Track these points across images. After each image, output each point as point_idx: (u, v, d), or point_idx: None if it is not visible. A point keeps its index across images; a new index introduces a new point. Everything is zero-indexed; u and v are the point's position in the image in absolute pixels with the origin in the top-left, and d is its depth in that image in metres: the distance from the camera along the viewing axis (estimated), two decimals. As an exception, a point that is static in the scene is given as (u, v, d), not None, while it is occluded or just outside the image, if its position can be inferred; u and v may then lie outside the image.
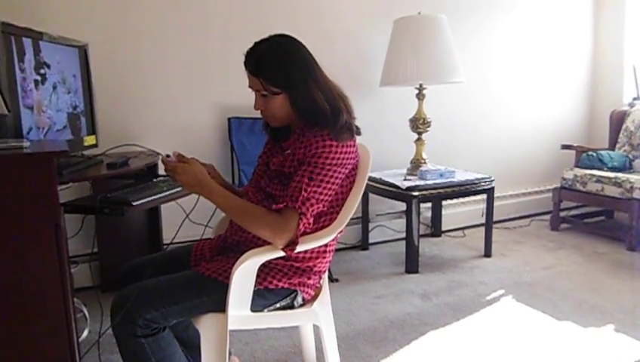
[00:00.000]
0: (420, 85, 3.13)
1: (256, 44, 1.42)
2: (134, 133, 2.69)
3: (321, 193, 1.37)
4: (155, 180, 1.92)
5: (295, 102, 1.39)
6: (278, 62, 1.38)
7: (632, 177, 3.24)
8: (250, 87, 1.43)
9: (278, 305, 1.47)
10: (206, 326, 1.42)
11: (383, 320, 2.33)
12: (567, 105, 4.14)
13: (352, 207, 1.47)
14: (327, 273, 1.65)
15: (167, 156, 1.38)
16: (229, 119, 2.86)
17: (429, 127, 3.17)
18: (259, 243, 1.42)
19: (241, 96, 1.66)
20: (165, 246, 2.43)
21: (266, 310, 1.46)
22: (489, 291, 2.64)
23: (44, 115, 1.82)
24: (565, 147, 3.79)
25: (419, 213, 2.92)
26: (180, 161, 1.38)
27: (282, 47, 1.40)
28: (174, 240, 1.86)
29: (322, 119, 1.38)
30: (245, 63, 1.41)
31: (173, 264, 1.56)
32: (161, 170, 1.41)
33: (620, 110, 3.83)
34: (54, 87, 1.90)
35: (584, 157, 3.64)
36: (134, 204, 1.58)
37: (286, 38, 1.43)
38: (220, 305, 1.39)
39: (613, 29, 4.04)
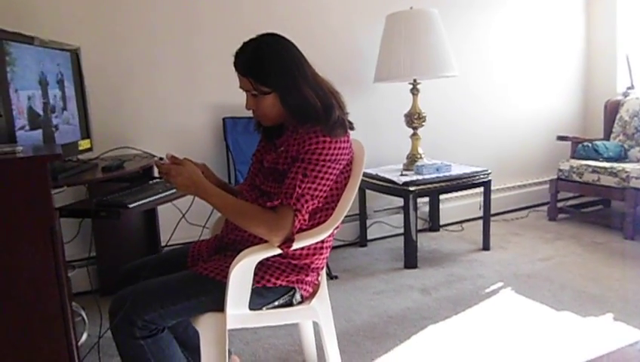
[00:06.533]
0: (414, 80, 3.13)
1: (244, 44, 1.42)
2: (129, 136, 2.68)
3: (315, 189, 1.37)
4: (150, 182, 1.93)
5: (286, 101, 1.39)
6: (266, 61, 1.38)
7: (628, 166, 3.25)
8: (240, 87, 1.44)
9: (276, 303, 1.47)
10: (205, 325, 1.41)
11: (382, 315, 2.34)
12: (561, 97, 4.15)
13: (347, 202, 1.47)
14: (324, 269, 1.65)
15: (161, 159, 1.39)
16: (223, 119, 2.86)
17: (424, 121, 3.17)
18: (255, 241, 1.41)
19: (235, 95, 1.65)
20: (162, 248, 2.43)
21: (264, 308, 1.46)
22: (488, 284, 2.64)
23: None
24: (561, 138, 3.80)
25: (416, 208, 2.92)
26: (174, 162, 1.38)
27: (270, 46, 1.40)
28: (171, 242, 1.86)
29: (314, 116, 1.38)
30: (235, 64, 1.41)
31: (170, 265, 1.55)
32: (157, 172, 1.41)
33: (614, 100, 3.84)
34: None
35: (580, 148, 3.65)
36: (130, 206, 1.58)
37: (273, 37, 1.43)
38: (218, 305, 1.39)
39: (605, 19, 4.05)
